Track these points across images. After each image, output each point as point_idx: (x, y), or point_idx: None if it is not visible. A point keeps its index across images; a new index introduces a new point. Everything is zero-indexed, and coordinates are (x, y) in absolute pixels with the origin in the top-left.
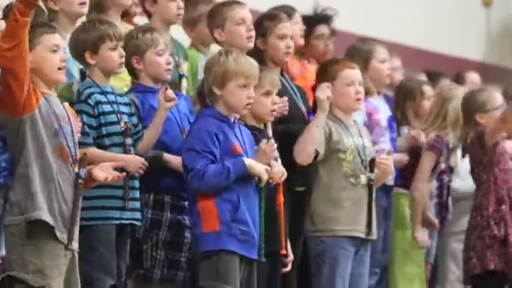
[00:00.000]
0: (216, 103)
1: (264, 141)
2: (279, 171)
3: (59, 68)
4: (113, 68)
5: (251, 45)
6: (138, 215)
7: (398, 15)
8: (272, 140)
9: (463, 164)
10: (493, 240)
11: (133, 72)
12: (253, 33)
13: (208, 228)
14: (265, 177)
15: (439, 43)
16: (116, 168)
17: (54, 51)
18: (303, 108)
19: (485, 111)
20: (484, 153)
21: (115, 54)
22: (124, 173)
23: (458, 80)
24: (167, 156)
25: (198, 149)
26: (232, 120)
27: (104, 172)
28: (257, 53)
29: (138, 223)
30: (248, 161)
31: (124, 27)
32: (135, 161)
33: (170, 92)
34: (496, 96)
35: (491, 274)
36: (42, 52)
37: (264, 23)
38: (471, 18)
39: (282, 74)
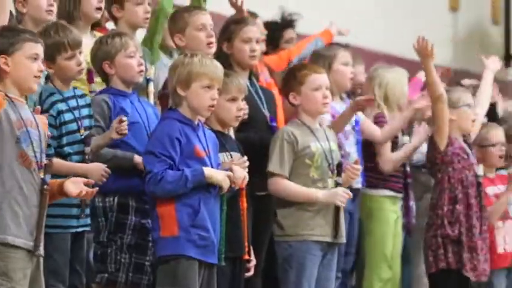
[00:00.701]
0: (180, 105)
1: (237, 156)
2: (241, 176)
3: (35, 77)
4: (71, 76)
5: (211, 51)
6: (89, 220)
7: (364, 20)
8: (245, 158)
9: None
10: (446, 240)
11: (106, 78)
12: (213, 39)
13: (167, 232)
14: (225, 185)
15: (406, 48)
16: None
17: (33, 59)
18: (266, 113)
19: (456, 107)
20: (438, 153)
21: (72, 63)
22: (96, 189)
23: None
24: (137, 158)
25: (157, 153)
26: (196, 123)
27: (75, 187)
28: (224, 58)
29: (89, 228)
30: (207, 171)
31: (98, 36)
32: (97, 169)
33: (124, 125)
34: (467, 95)
35: (449, 272)
36: (21, 58)
37: (230, 27)
38: (438, 23)
39: (250, 78)
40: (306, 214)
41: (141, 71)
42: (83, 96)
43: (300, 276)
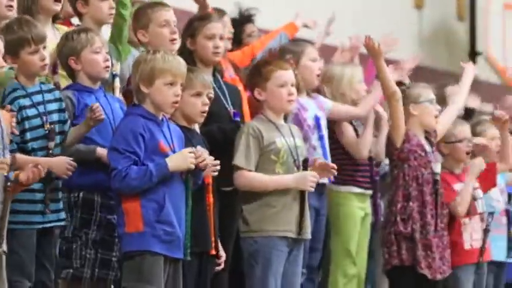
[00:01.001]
0: (144, 102)
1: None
2: (211, 158)
3: None
4: (35, 71)
5: (175, 47)
6: (62, 215)
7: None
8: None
9: None
10: (399, 237)
11: (72, 74)
12: (176, 35)
13: (132, 228)
14: (190, 165)
15: None
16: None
17: None
18: (230, 108)
19: (418, 102)
20: (394, 149)
21: (35, 58)
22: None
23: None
24: (100, 150)
25: (121, 149)
26: (160, 118)
27: (24, 172)
28: (187, 54)
29: (63, 223)
30: (171, 163)
31: (62, 30)
32: (61, 163)
33: (99, 111)
34: (428, 91)
35: (403, 269)
36: None
37: (194, 23)
38: (403, 20)
39: (214, 74)
40: (271, 210)
41: (107, 66)
42: (51, 90)
43: (266, 272)
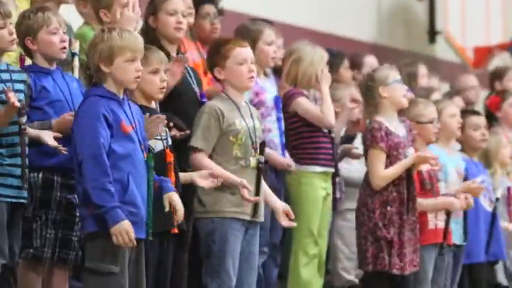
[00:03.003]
0: (105, 81)
1: (146, 116)
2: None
3: None
4: (4, 46)
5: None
6: (25, 193)
7: None
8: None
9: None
10: (381, 242)
11: (29, 53)
12: (139, 16)
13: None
14: None
15: (332, 25)
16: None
17: None
18: (197, 89)
19: (387, 84)
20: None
21: (4, 32)
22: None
23: (355, 63)
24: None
25: (88, 136)
26: (121, 97)
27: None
28: (150, 32)
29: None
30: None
31: (22, 6)
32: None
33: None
34: (395, 71)
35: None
36: None
37: (155, 0)
38: (362, 0)
39: (177, 54)
40: (226, 191)
41: (64, 47)
42: (19, 71)
43: (223, 251)
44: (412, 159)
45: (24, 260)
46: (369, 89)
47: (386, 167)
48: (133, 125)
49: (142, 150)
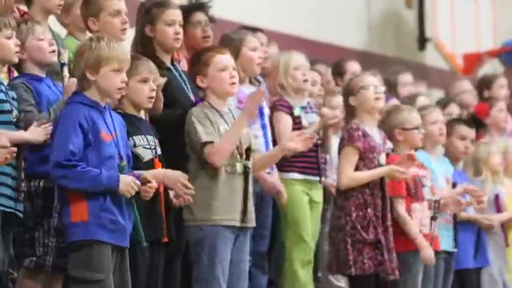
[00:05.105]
0: (88, 89)
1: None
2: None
3: None
4: (9, 57)
5: (124, 37)
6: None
7: (280, 4)
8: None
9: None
10: (361, 245)
11: (18, 66)
12: (127, 25)
13: (77, 218)
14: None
15: (322, 32)
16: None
17: None
18: (191, 96)
19: (354, 93)
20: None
21: (11, 43)
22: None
23: (338, 69)
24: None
25: (64, 141)
26: (102, 105)
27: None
28: (146, 41)
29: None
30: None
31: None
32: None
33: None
34: (368, 77)
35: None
36: None
37: (152, 10)
38: (352, 7)
39: (172, 63)
40: (214, 199)
41: (53, 50)
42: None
43: (212, 258)
44: (384, 171)
45: (27, 269)
46: (344, 98)
47: (358, 169)
48: (113, 134)
49: (121, 159)
